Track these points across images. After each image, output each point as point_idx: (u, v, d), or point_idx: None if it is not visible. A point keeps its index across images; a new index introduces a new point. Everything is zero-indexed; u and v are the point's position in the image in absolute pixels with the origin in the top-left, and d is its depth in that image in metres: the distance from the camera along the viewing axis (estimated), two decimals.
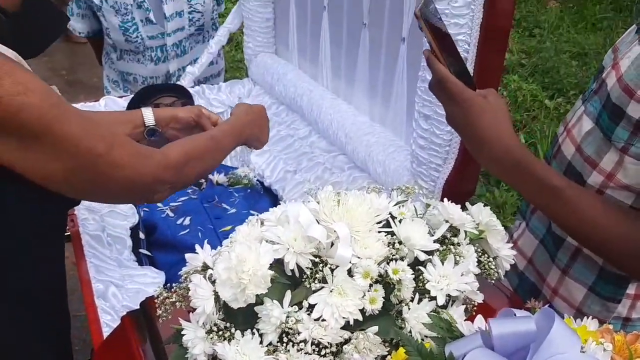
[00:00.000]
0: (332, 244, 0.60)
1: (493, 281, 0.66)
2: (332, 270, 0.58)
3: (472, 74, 0.88)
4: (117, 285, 1.09)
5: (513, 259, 0.65)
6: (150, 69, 1.81)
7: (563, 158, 0.80)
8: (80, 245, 1.12)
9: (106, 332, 0.96)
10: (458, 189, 1.04)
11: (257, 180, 1.53)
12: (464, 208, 0.67)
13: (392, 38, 1.22)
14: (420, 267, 0.59)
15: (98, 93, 3.58)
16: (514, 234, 0.94)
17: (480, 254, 0.64)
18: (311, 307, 0.57)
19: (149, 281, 1.12)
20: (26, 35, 0.74)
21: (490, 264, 0.64)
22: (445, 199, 0.65)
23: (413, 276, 0.58)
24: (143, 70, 1.82)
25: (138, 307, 1.00)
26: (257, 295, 0.58)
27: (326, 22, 1.46)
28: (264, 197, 1.48)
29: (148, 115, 0.96)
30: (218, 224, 1.35)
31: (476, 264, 0.62)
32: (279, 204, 1.43)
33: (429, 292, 0.58)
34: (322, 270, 0.58)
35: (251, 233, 0.66)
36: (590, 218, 0.69)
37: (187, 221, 1.33)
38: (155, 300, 0.69)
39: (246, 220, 0.69)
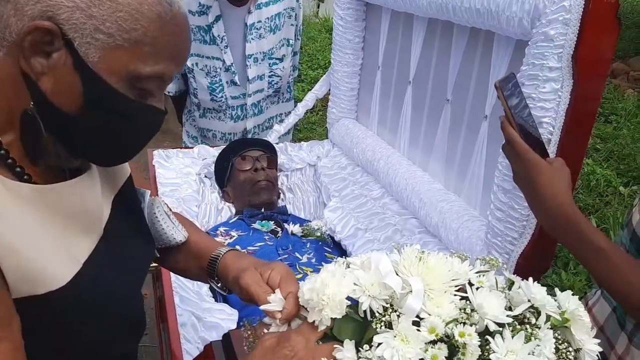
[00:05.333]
0: (406, 296, 0.65)
1: None
2: (398, 317, 0.61)
3: (554, 156, 0.94)
4: (197, 317, 1.17)
5: (598, 355, 0.65)
6: (229, 125, 1.99)
7: (631, 226, 0.85)
8: (169, 276, 1.22)
9: (185, 358, 1.04)
10: (532, 265, 1.06)
11: (328, 234, 1.60)
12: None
13: (474, 114, 1.30)
14: (489, 338, 0.60)
15: (181, 141, 3.85)
16: (589, 301, 0.96)
17: (560, 341, 0.63)
18: (378, 345, 0.61)
19: (225, 317, 1.19)
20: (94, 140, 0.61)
21: (569, 353, 0.62)
22: (530, 279, 0.68)
23: (479, 343, 0.59)
24: (223, 126, 1.99)
25: (214, 339, 1.07)
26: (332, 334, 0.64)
27: (409, 96, 1.57)
28: (334, 250, 1.54)
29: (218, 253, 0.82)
30: None
31: (554, 350, 0.61)
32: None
33: None
34: (389, 315, 0.62)
35: (337, 270, 0.72)
36: (629, 281, 0.73)
37: None
38: (243, 330, 0.76)
39: (335, 261, 0.75)
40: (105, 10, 0.55)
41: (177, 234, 0.83)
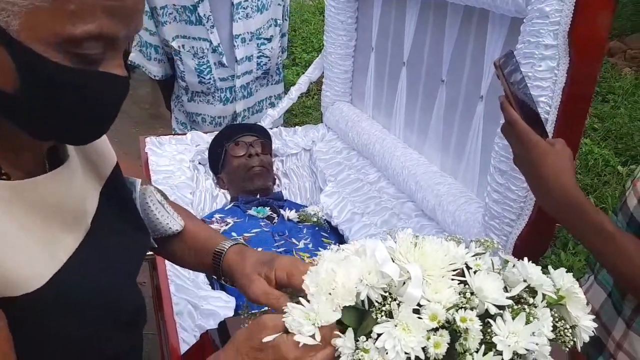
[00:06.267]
0: (404, 283, 0.64)
1: (567, 348, 0.66)
2: (398, 305, 0.60)
3: (551, 135, 0.92)
4: (194, 305, 1.16)
5: (593, 331, 0.64)
6: (218, 109, 1.95)
7: (627, 210, 0.84)
8: (165, 265, 1.21)
9: (182, 348, 1.03)
10: (530, 247, 1.05)
11: (325, 219, 1.59)
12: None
13: (470, 95, 1.28)
14: (490, 320, 0.60)
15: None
16: (582, 287, 0.95)
17: (557, 319, 0.63)
18: (378, 337, 0.60)
19: (222, 305, 1.18)
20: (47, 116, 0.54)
21: (566, 330, 0.62)
22: (526, 259, 0.67)
23: (481, 327, 0.58)
24: (212, 110, 1.96)
25: (211, 326, 1.07)
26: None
27: (404, 77, 1.54)
28: (331, 235, 1.53)
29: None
30: None
31: (551, 329, 0.61)
32: (345, 244, 1.48)
33: (495, 346, 0.58)
34: (389, 304, 0.60)
35: (333, 258, 0.71)
36: (637, 263, 0.72)
37: None
38: (242, 319, 0.75)
39: (329, 249, 0.74)
40: None
41: (172, 222, 0.80)
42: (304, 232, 1.51)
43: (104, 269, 0.64)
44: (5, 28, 0.48)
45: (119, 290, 0.68)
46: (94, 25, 0.50)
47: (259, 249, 1.43)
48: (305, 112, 3.87)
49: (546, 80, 0.94)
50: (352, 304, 0.60)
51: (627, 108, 3.77)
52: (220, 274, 0.78)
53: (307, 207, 1.65)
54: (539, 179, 0.77)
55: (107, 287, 0.64)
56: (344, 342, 0.60)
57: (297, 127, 1.98)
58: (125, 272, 0.71)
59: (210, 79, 1.87)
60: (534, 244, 1.07)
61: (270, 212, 1.59)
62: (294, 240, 1.47)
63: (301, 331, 0.59)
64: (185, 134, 1.90)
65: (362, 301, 0.61)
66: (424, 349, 0.58)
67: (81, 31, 0.49)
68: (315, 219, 1.57)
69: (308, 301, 0.62)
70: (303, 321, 0.59)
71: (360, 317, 0.62)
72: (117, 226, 0.70)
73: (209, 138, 1.81)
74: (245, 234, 1.47)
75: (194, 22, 1.78)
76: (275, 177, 1.83)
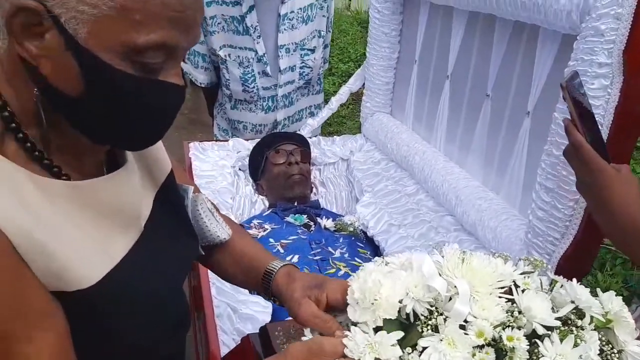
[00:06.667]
0: (450, 298, 0.63)
1: None
2: (444, 320, 0.60)
3: None
4: (233, 309, 1.18)
5: None
6: (260, 117, 1.99)
7: None
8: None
9: (221, 349, 1.05)
10: (574, 266, 1.03)
11: (361, 229, 1.60)
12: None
13: (515, 111, 1.26)
14: (537, 341, 0.59)
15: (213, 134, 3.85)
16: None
17: (604, 343, 0.62)
18: (423, 350, 0.60)
19: (260, 310, 1.20)
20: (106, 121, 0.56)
21: (613, 355, 0.61)
22: (574, 280, 0.66)
23: (528, 347, 0.58)
24: (254, 118, 2.00)
25: (249, 331, 1.09)
26: None
27: (447, 91, 1.54)
28: (367, 246, 1.54)
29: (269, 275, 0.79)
30: (323, 265, 1.42)
31: (598, 352, 0.60)
32: (381, 255, 1.48)
33: None
34: (435, 319, 0.60)
35: (379, 270, 0.71)
36: None
37: (295, 259, 1.42)
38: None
39: (374, 261, 0.74)
40: None
41: (220, 231, 0.81)
42: (340, 241, 1.52)
43: (154, 272, 0.66)
44: (73, 35, 0.51)
45: (167, 295, 0.69)
46: (157, 35, 0.52)
47: (297, 256, 1.45)
48: (340, 121, 3.90)
49: (599, 98, 0.92)
50: (394, 317, 0.61)
51: None
52: (270, 294, 0.79)
53: (343, 216, 1.66)
54: (604, 205, 0.76)
55: (157, 290, 0.66)
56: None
57: (335, 136, 2.00)
58: (173, 276, 0.72)
59: (254, 87, 1.91)
60: (578, 263, 1.05)
61: (307, 220, 1.61)
62: (330, 249, 1.48)
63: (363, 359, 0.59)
64: (226, 140, 1.94)
65: (407, 314, 0.62)
66: None
67: (145, 40, 0.51)
68: (351, 229, 1.57)
69: (353, 324, 0.62)
70: (365, 350, 0.60)
71: (402, 330, 0.62)
72: (168, 231, 0.72)
73: (250, 145, 1.85)
74: (283, 241, 1.49)
75: (241, 32, 1.83)
76: (313, 185, 1.85)
